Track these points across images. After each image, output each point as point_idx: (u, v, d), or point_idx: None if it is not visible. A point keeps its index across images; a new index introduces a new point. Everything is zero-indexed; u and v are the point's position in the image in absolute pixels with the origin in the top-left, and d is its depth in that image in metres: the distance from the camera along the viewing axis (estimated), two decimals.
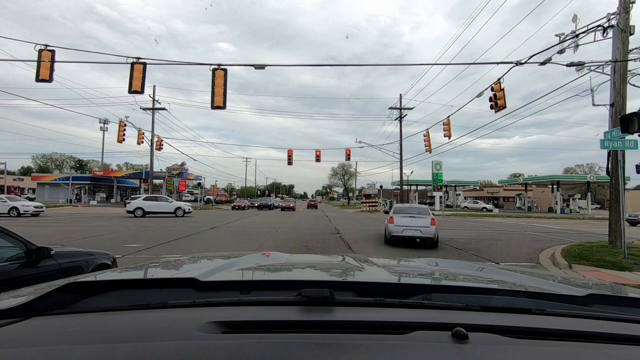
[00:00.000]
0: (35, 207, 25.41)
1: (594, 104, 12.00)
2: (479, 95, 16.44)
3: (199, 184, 60.05)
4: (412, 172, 50.85)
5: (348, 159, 40.21)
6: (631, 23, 10.39)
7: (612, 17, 10.47)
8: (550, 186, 52.72)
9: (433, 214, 12.63)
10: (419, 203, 60.95)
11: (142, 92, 13.57)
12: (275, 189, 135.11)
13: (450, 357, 0.71)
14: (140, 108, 35.45)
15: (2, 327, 0.84)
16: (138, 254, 9.09)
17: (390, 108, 38.28)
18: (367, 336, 0.80)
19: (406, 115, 37.63)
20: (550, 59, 12.23)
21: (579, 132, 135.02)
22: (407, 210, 12.51)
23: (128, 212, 25.79)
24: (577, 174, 68.02)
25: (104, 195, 55.85)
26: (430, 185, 45.89)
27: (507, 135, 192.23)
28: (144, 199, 26.95)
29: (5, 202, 24.97)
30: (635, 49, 10.56)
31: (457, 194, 65.24)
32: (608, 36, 10.64)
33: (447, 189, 62.77)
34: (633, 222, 25.68)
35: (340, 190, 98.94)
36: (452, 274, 1.67)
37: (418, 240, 11.48)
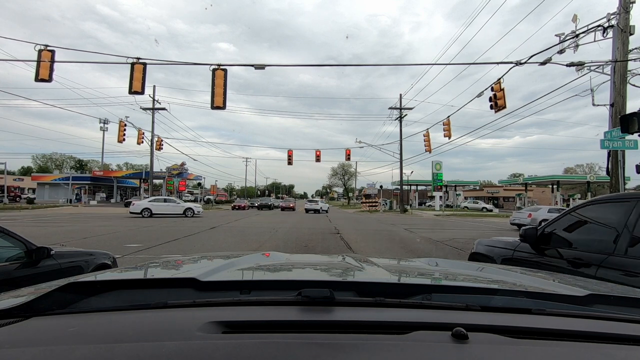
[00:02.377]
0: (201, 208, 28.37)
1: (594, 104, 12.01)
2: (479, 95, 16.46)
3: (199, 184, 60.09)
4: (412, 172, 50.92)
5: (348, 159, 40.29)
6: (631, 23, 10.40)
7: (612, 17, 10.48)
8: (550, 186, 52.73)
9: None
10: (419, 204, 60.74)
11: (142, 92, 13.59)
12: (275, 189, 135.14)
13: (450, 357, 0.71)
14: (140, 108, 35.47)
15: (2, 327, 0.84)
16: (138, 254, 9.10)
17: (390, 108, 38.34)
18: (367, 336, 0.80)
19: (406, 115, 37.72)
20: (550, 59, 12.24)
21: (579, 132, 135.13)
22: None
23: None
24: (577, 174, 68.00)
25: (104, 195, 55.87)
26: (430, 185, 45.90)
27: (507, 135, 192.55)
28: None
29: (179, 203, 27.15)
30: (635, 49, 10.56)
31: (457, 194, 65.27)
32: (608, 36, 10.65)
33: (447, 189, 62.80)
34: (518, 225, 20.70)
35: (340, 190, 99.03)
36: (452, 274, 1.67)
37: None
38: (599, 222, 3.09)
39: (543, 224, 3.61)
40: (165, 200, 27.59)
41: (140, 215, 24.69)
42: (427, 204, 59.80)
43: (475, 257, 4.36)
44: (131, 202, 30.25)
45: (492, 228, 20.77)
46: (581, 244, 3.09)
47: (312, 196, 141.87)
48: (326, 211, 38.33)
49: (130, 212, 25.59)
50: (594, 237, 3.06)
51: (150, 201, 26.47)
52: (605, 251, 2.75)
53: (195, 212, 26.78)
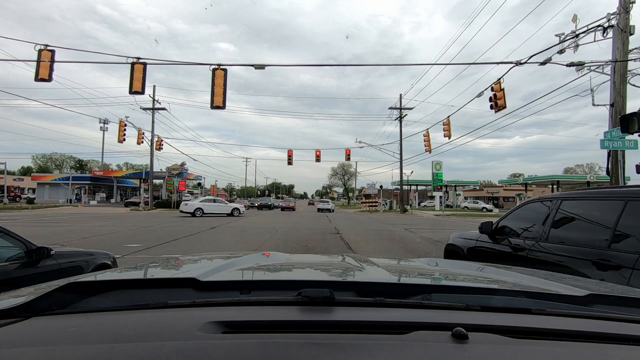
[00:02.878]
0: (244, 208, 30.86)
1: (594, 104, 12.01)
2: (479, 95, 16.46)
3: (199, 184, 60.11)
4: (412, 172, 50.89)
5: (348, 159, 40.30)
6: (631, 23, 10.40)
7: (612, 17, 10.48)
8: (550, 186, 52.73)
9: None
10: (419, 204, 60.71)
11: (142, 92, 13.59)
12: (275, 189, 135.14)
13: (450, 357, 0.71)
14: (141, 108, 35.46)
15: (2, 327, 0.84)
16: (138, 254, 9.10)
17: (390, 108, 38.33)
18: (367, 336, 0.80)
19: (406, 115, 37.71)
20: (550, 59, 12.24)
21: (579, 132, 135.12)
22: None
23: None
24: (577, 174, 68.00)
25: (104, 195, 55.87)
26: (430, 185, 45.89)
27: (507, 135, 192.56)
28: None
29: (227, 204, 29.04)
30: (635, 49, 10.56)
31: (457, 194, 65.26)
32: (608, 36, 10.65)
33: (447, 189, 62.80)
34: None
35: (340, 190, 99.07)
36: (452, 274, 1.67)
37: None
38: (533, 217, 3.91)
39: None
40: (214, 201, 29.56)
41: (192, 215, 26.27)
42: (421, 204, 59.54)
43: (449, 247, 5.33)
44: (184, 201, 31.77)
45: None
46: (521, 234, 3.94)
47: (312, 196, 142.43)
48: (333, 210, 42.75)
49: (182, 212, 27.34)
50: (529, 227, 3.87)
51: (201, 201, 28.28)
52: (535, 238, 3.61)
53: (241, 212, 28.75)
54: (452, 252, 5.17)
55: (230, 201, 67.10)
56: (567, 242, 3.26)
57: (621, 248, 2.78)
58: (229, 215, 27.60)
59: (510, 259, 3.78)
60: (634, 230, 2.77)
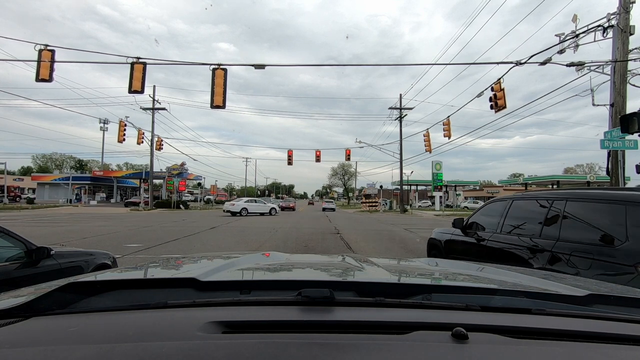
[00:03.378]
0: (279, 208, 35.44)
1: (594, 104, 12.01)
2: (479, 95, 16.47)
3: (199, 184, 60.02)
4: (412, 172, 50.87)
5: (348, 159, 40.30)
6: (631, 23, 10.40)
7: (612, 17, 10.48)
8: (550, 186, 52.72)
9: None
10: (419, 205, 60.74)
11: (142, 92, 13.60)
12: (275, 189, 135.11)
13: (450, 357, 0.71)
14: (141, 108, 35.47)
15: (2, 327, 0.84)
16: (138, 254, 9.10)
17: (390, 108, 38.33)
18: (367, 336, 0.80)
19: (406, 115, 37.70)
20: (550, 59, 12.24)
21: (579, 132, 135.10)
22: None
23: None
24: (577, 174, 67.98)
25: (104, 195, 55.86)
26: (430, 185, 45.90)
27: (507, 135, 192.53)
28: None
29: (266, 204, 32.45)
30: (635, 49, 10.56)
31: (457, 194, 65.25)
32: (608, 36, 10.65)
33: (447, 189, 62.79)
34: None
35: (340, 190, 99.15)
36: (452, 274, 1.67)
37: None
38: (492, 214, 4.80)
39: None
40: (255, 201, 33.40)
41: (238, 214, 28.93)
42: (418, 205, 59.42)
43: (430, 240, 6.34)
44: (229, 201, 34.97)
45: None
46: (484, 227, 4.82)
47: (312, 196, 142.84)
48: (334, 210, 46.47)
49: (226, 211, 30.22)
50: (489, 222, 4.75)
51: (245, 202, 31.78)
52: (493, 230, 4.50)
53: (277, 211, 32.90)
54: (433, 244, 6.23)
55: (230, 201, 67.48)
56: (513, 232, 4.20)
57: (546, 236, 3.68)
58: (267, 214, 30.96)
59: (475, 247, 4.78)
60: (554, 223, 3.68)
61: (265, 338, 0.77)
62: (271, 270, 1.62)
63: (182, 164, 48.07)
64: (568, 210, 3.58)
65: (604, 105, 11.26)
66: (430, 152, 30.66)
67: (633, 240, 2.92)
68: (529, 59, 12.68)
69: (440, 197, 47.46)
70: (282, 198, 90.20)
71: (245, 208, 29.88)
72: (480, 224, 4.96)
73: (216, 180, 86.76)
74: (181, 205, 39.59)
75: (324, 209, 46.23)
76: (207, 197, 61.74)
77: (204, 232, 14.78)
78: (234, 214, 28.86)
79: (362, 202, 54.08)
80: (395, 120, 38.54)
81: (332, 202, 54.09)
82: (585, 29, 11.08)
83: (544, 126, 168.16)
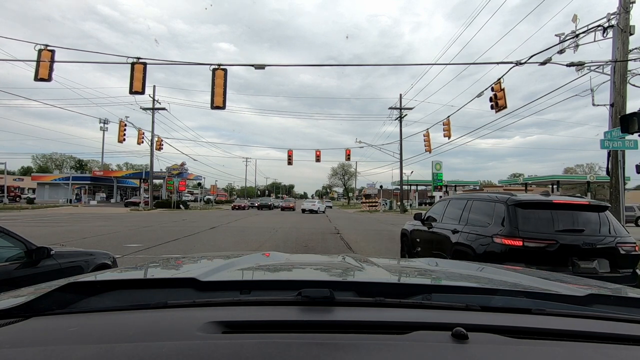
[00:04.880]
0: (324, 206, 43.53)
1: (594, 104, 11.99)
2: (479, 95, 16.45)
3: (199, 184, 60.04)
4: (412, 172, 50.84)
5: (348, 159, 40.30)
6: (631, 23, 10.39)
7: (612, 17, 10.47)
8: (550, 186, 52.68)
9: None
10: (419, 204, 61.12)
11: (142, 92, 13.59)
12: (275, 189, 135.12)
13: (450, 357, 0.71)
14: (141, 108, 35.46)
15: (2, 327, 0.84)
16: (138, 254, 9.10)
17: (390, 108, 38.32)
18: (367, 336, 0.80)
19: (406, 115, 37.70)
20: (550, 59, 12.23)
21: (579, 132, 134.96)
22: None
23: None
24: (577, 174, 67.94)
25: (104, 195, 55.86)
26: (430, 185, 45.87)
27: (507, 135, 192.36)
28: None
29: (323, 204, 40.53)
30: (635, 49, 10.56)
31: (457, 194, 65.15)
32: (608, 36, 10.64)
33: (447, 189, 62.74)
34: None
35: (340, 190, 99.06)
36: (452, 274, 1.67)
37: None
38: (439, 209, 6.68)
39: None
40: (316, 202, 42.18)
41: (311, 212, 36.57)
42: (410, 205, 59.41)
43: (402, 231, 8.48)
44: (309, 200, 40.90)
45: None
46: (434, 219, 6.61)
47: (312, 196, 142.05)
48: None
49: (305, 210, 38.16)
50: (436, 215, 6.61)
51: (307, 202, 41.02)
52: (437, 221, 6.38)
53: (324, 210, 40.44)
54: (403, 234, 8.34)
55: (230, 201, 67.90)
56: (446, 222, 6.09)
57: (461, 221, 5.60)
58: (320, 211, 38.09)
59: (427, 233, 6.67)
60: (465, 213, 5.64)
61: (265, 338, 0.77)
62: (271, 270, 1.62)
63: (182, 164, 48.07)
64: (473, 205, 5.60)
65: (604, 105, 11.25)
66: (430, 152, 30.66)
67: (493, 223, 4.90)
68: (529, 59, 12.68)
69: (440, 197, 47.41)
70: (282, 198, 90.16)
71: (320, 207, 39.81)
72: (432, 216, 6.82)
73: (216, 180, 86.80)
74: (181, 205, 39.59)
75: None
76: (207, 197, 61.73)
77: (204, 232, 14.78)
78: (304, 211, 38.10)
79: (362, 202, 54.09)
80: (395, 120, 38.53)
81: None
82: (585, 29, 11.07)
83: (544, 126, 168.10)
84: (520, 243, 4.43)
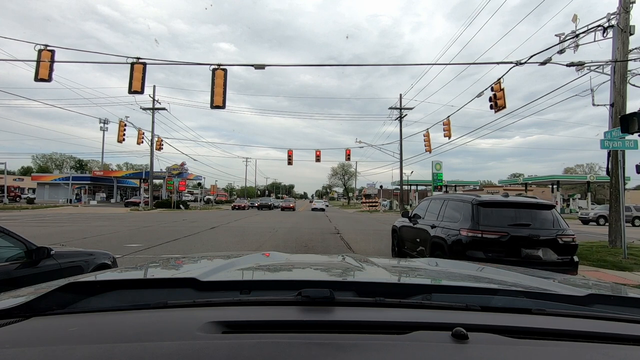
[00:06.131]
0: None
1: (594, 104, 12.00)
2: (479, 95, 16.45)
3: (199, 184, 60.04)
4: (412, 172, 50.86)
5: (348, 159, 40.27)
6: (631, 23, 10.39)
7: (612, 17, 10.47)
8: (550, 186, 52.67)
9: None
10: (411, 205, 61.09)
11: (142, 92, 13.59)
12: (276, 189, 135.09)
13: (450, 357, 0.71)
14: (141, 108, 35.47)
15: (2, 327, 0.84)
16: (138, 254, 9.10)
17: (390, 108, 38.29)
18: (367, 336, 0.80)
19: (406, 115, 37.67)
20: (550, 59, 12.23)
21: (579, 132, 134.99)
22: None
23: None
24: (577, 174, 67.84)
25: (104, 195, 55.85)
26: (430, 185, 45.82)
27: (507, 135, 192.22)
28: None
29: (321, 202, 44.04)
30: (635, 49, 10.55)
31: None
32: (608, 36, 10.64)
33: (447, 189, 62.69)
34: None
35: (340, 190, 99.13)
36: (452, 274, 1.67)
37: None
38: (423, 208, 7.70)
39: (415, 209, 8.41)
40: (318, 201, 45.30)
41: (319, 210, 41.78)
42: (410, 205, 59.84)
43: (392, 227, 9.44)
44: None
45: None
46: (419, 216, 7.57)
47: (313, 196, 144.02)
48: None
49: (313, 209, 42.81)
50: (421, 213, 7.61)
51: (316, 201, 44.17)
52: (421, 217, 7.33)
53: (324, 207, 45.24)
54: (393, 230, 9.37)
55: (230, 201, 68.08)
56: (428, 218, 7.10)
57: (439, 218, 6.60)
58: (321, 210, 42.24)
59: (413, 229, 7.60)
60: (442, 210, 6.66)
61: (265, 338, 0.77)
62: (271, 270, 1.62)
63: (182, 164, 48.07)
64: (448, 205, 6.64)
65: (604, 105, 11.25)
66: (430, 152, 30.62)
67: (462, 219, 5.91)
68: (529, 59, 12.67)
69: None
70: (282, 198, 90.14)
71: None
72: (417, 214, 7.77)
73: (216, 180, 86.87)
74: (181, 205, 39.57)
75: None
76: (207, 197, 61.73)
77: (204, 232, 14.78)
78: (314, 209, 42.23)
79: (362, 202, 54.09)
80: (395, 120, 38.51)
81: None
82: (585, 29, 11.07)
83: (544, 126, 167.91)
84: (480, 234, 5.50)
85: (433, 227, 6.58)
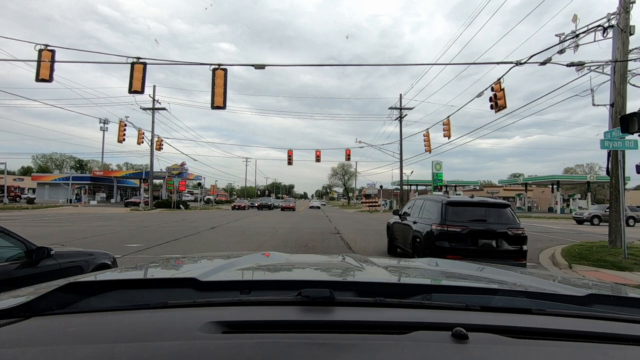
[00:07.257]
0: None
1: (594, 104, 12.00)
2: (479, 95, 16.44)
3: (199, 184, 60.04)
4: (412, 172, 50.88)
5: (348, 159, 40.25)
6: (631, 23, 10.38)
7: (612, 17, 10.46)
8: (550, 186, 52.70)
9: None
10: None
11: (142, 92, 13.58)
12: (275, 189, 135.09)
13: (450, 357, 0.71)
14: (141, 108, 35.47)
15: (2, 327, 0.84)
16: (138, 254, 9.10)
17: (390, 108, 38.26)
18: (367, 336, 0.80)
19: (406, 115, 37.64)
20: (550, 59, 12.22)
21: (579, 132, 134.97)
22: None
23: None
24: (577, 174, 67.86)
25: (104, 195, 55.86)
26: (430, 185, 45.83)
27: (507, 135, 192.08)
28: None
29: (318, 202, 46.99)
30: (635, 49, 10.55)
31: (457, 194, 65.19)
32: (608, 36, 10.64)
33: (447, 189, 62.69)
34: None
35: (340, 190, 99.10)
36: (452, 274, 1.67)
37: None
38: (410, 206, 8.96)
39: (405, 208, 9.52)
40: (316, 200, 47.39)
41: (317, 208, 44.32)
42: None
43: (387, 224, 10.54)
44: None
45: None
46: (408, 214, 8.60)
47: (312, 196, 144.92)
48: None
49: (311, 207, 43.59)
50: (408, 211, 8.78)
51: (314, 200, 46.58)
52: (408, 215, 8.59)
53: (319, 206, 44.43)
54: (387, 226, 10.47)
55: (230, 201, 68.32)
56: (412, 215, 8.27)
57: (420, 215, 7.80)
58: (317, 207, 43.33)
59: (402, 225, 8.66)
60: (422, 209, 7.83)
61: (265, 338, 0.77)
62: (271, 270, 1.62)
63: (182, 164, 48.06)
64: (426, 204, 7.76)
65: (604, 105, 11.25)
66: (430, 152, 30.60)
67: (434, 216, 7.02)
68: (529, 59, 12.67)
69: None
70: (282, 198, 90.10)
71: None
72: (406, 211, 8.85)
73: (216, 180, 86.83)
74: (181, 205, 39.57)
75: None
76: (207, 197, 61.72)
77: (204, 232, 14.77)
78: (311, 207, 44.10)
79: (362, 202, 54.10)
80: (395, 120, 38.50)
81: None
82: (585, 29, 11.06)
83: (544, 126, 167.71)
84: (446, 228, 6.61)
85: (415, 222, 7.81)
